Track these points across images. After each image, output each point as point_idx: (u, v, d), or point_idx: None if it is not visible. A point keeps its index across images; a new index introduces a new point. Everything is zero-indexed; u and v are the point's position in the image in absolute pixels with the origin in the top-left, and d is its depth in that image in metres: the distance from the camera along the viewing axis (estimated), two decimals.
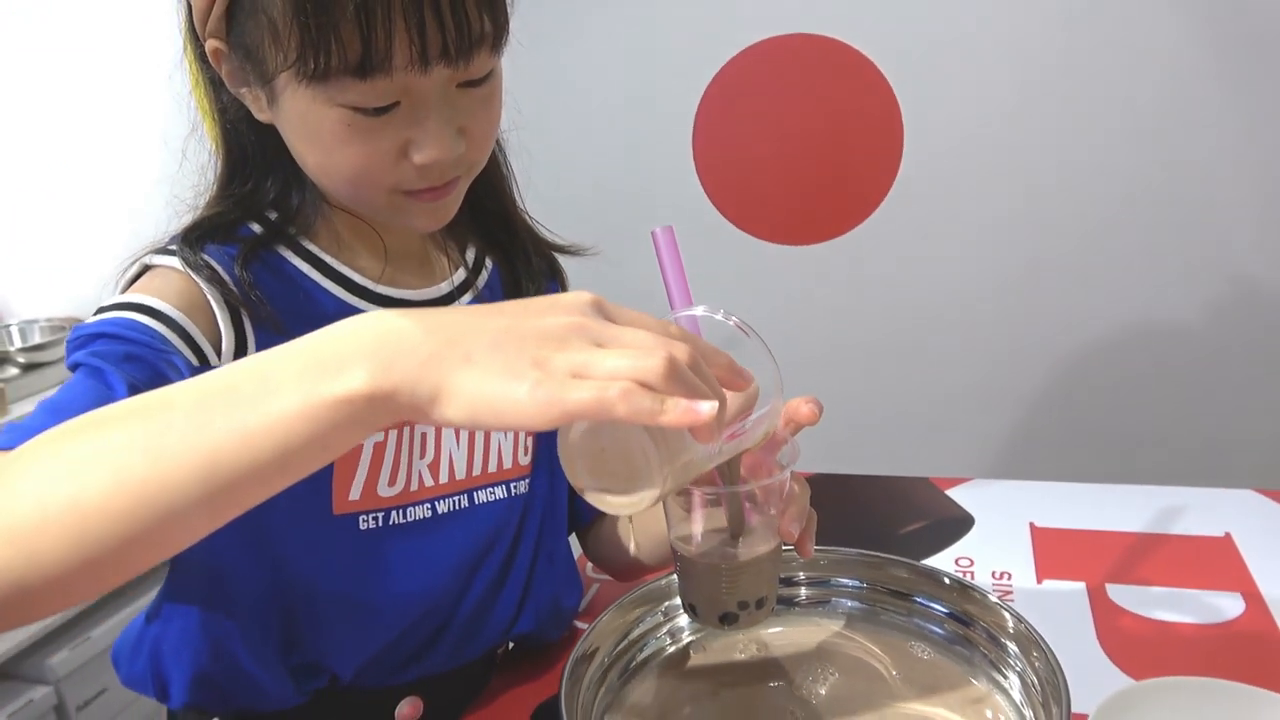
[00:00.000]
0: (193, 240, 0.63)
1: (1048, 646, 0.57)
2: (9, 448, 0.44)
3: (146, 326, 0.57)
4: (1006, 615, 0.61)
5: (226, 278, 0.62)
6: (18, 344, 1.94)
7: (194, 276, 0.60)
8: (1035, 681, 0.57)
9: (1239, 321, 1.41)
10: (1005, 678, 0.60)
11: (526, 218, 0.79)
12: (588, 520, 0.85)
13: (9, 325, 1.97)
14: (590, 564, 0.95)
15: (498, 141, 0.73)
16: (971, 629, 0.64)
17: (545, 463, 0.77)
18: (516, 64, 1.74)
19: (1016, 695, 0.59)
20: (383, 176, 0.60)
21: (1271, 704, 0.64)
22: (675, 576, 0.61)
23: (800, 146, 1.51)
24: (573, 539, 0.86)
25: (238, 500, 0.41)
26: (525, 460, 0.76)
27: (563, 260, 0.83)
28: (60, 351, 1.83)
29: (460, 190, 0.65)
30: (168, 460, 0.39)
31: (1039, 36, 1.38)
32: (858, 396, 1.56)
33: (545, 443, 0.77)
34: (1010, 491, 1.06)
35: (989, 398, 1.54)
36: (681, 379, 0.40)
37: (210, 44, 0.59)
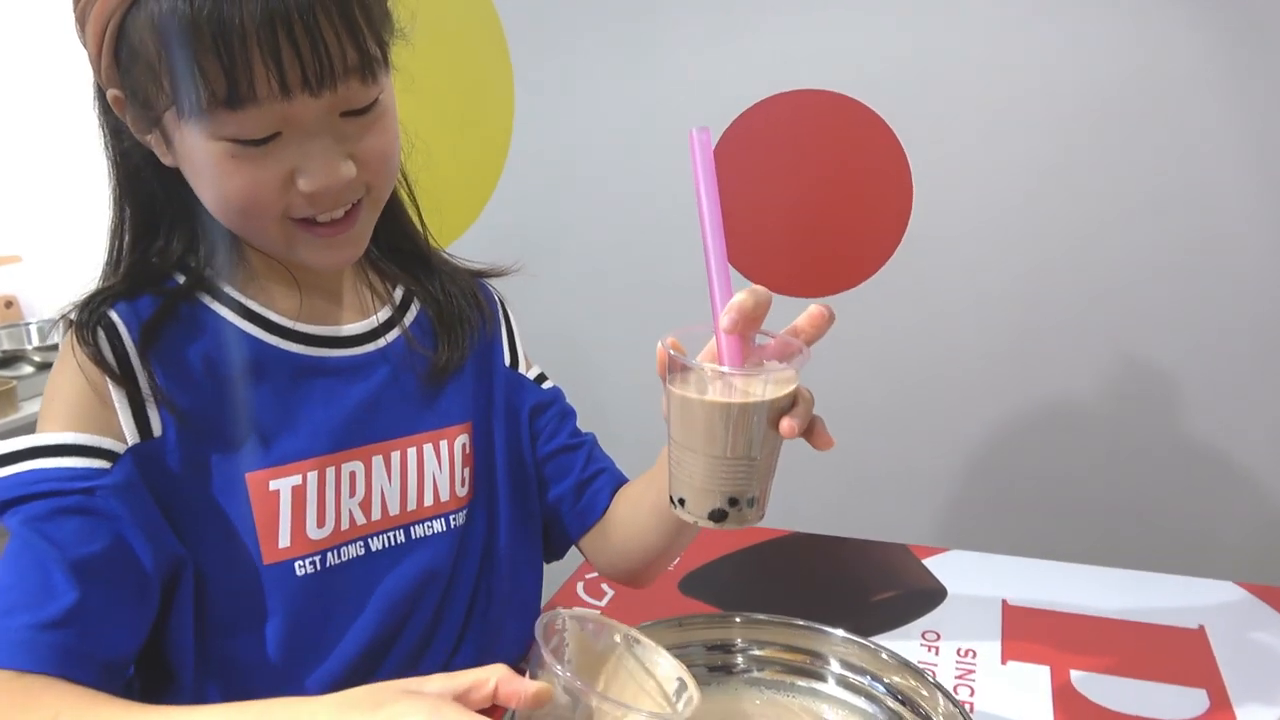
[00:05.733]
0: (94, 306, 0.64)
1: None
2: None
3: (62, 471, 0.60)
4: (941, 699, 0.60)
5: (128, 343, 0.64)
6: (35, 342, 1.99)
7: (80, 354, 0.62)
8: None
9: (1237, 409, 1.39)
10: None
11: (442, 253, 0.81)
12: (588, 526, 0.84)
13: (29, 324, 2.01)
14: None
15: (403, 177, 0.75)
16: (908, 707, 0.63)
17: (483, 499, 0.78)
18: (524, 114, 1.75)
19: None
20: (270, 204, 0.61)
21: None
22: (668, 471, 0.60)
23: (809, 201, 1.52)
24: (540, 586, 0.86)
25: None
26: (462, 492, 0.76)
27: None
28: None
29: (362, 225, 0.66)
30: None
31: (1052, 99, 1.38)
32: (849, 455, 1.55)
33: (483, 479, 0.78)
34: (987, 565, 1.05)
35: (980, 465, 1.53)
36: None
37: (111, 93, 0.62)
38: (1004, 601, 0.97)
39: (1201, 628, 0.91)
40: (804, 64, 1.46)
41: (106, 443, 0.62)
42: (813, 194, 1.51)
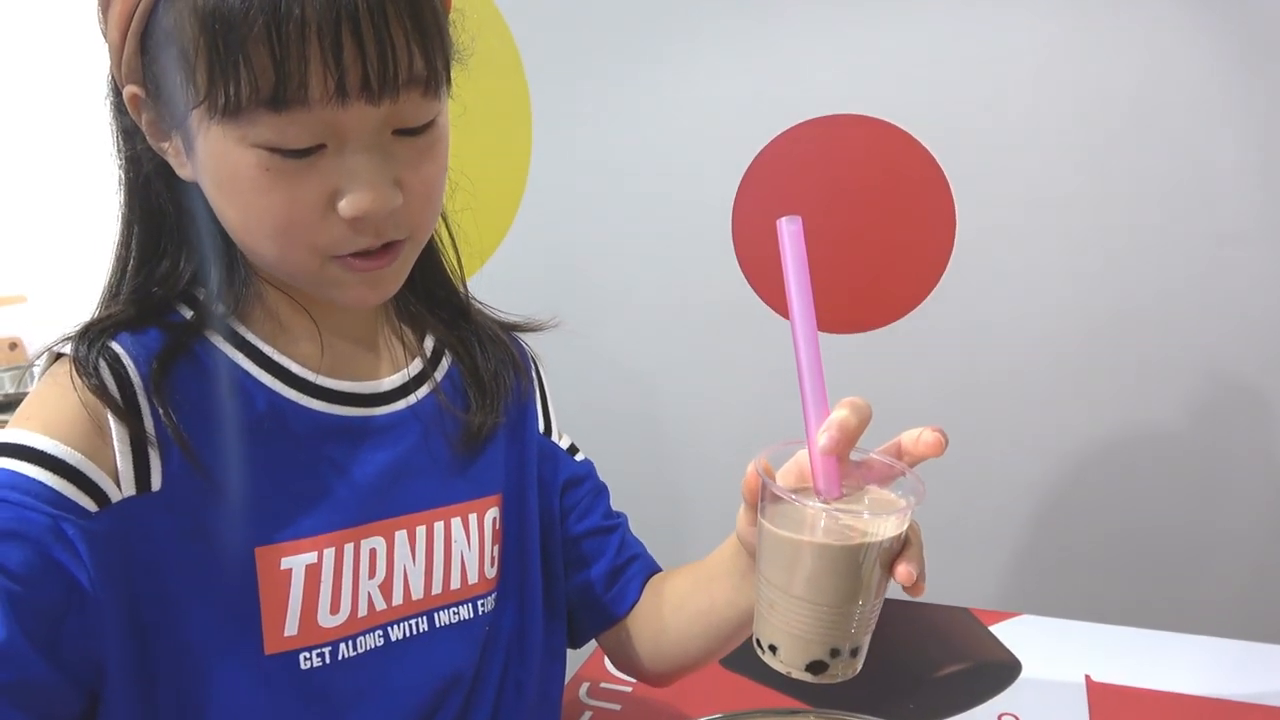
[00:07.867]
0: (94, 335, 0.56)
1: None
2: None
3: (32, 483, 0.50)
4: None
5: (134, 376, 0.54)
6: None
7: (80, 384, 0.53)
8: None
9: None
10: None
11: (476, 302, 0.73)
12: (618, 617, 0.75)
13: (34, 366, 1.95)
14: (584, 689, 0.86)
15: (444, 221, 0.67)
16: None
17: (513, 585, 0.69)
18: (549, 142, 1.67)
19: None
20: (310, 232, 0.53)
21: None
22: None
23: (845, 232, 1.44)
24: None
25: None
26: (491, 573, 0.67)
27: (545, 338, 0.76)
28: None
29: (403, 262, 0.58)
30: None
31: (1094, 125, 1.29)
32: None
33: (513, 559, 0.69)
34: (1064, 633, 0.94)
35: (1048, 514, 1.42)
36: None
37: (128, 90, 0.54)
38: (1087, 677, 0.86)
39: None
40: (837, 88, 1.38)
41: (97, 475, 0.52)
42: (848, 224, 1.43)
